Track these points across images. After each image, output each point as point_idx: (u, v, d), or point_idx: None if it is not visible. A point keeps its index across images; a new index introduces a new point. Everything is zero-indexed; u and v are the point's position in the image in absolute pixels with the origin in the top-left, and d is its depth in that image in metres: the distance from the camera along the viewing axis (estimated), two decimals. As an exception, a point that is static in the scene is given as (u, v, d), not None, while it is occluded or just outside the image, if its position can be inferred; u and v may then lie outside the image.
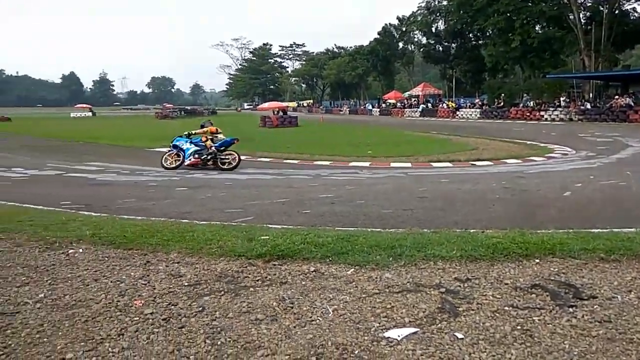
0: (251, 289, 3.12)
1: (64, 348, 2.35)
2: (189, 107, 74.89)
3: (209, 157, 12.08)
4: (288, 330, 2.51)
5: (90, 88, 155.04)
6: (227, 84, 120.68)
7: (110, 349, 2.34)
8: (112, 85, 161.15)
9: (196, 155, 12.14)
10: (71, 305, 2.89)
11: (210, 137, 12.46)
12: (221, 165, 12.04)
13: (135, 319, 2.69)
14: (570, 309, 2.71)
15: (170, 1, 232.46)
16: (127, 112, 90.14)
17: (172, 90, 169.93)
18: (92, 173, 11.40)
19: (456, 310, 2.72)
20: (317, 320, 2.62)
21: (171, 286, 3.19)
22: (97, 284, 3.25)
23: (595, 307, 2.74)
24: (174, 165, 12.16)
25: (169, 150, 12.55)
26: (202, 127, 12.84)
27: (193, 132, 12.61)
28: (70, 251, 4.03)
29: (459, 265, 3.48)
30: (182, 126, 35.09)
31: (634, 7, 37.82)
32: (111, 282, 3.29)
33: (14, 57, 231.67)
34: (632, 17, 37.66)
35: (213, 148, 12.17)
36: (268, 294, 3.02)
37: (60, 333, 2.52)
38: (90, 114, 65.54)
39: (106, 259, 3.81)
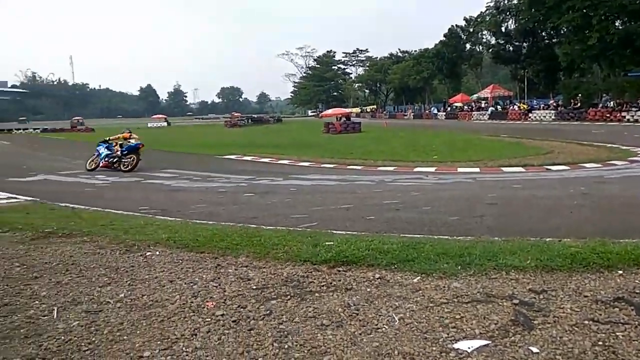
0: (316, 294, 3.15)
1: (142, 346, 2.50)
2: (255, 116, 77.33)
3: (114, 160, 14.09)
4: (354, 337, 2.51)
5: (165, 99, 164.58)
6: (291, 92, 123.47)
7: (184, 348, 2.46)
8: (185, 96, 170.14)
9: (107, 159, 14.16)
10: (148, 305, 3.07)
11: (121, 142, 14.45)
12: (122, 168, 13.90)
13: (207, 320, 2.80)
14: (661, 327, 2.48)
15: (238, 15, 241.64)
16: (199, 121, 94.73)
17: (240, 99, 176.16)
18: (167, 179, 12.06)
19: (531, 323, 2.58)
20: (383, 328, 2.59)
21: (240, 289, 3.30)
22: (172, 285, 3.42)
23: (690, 325, 2.49)
24: (92, 167, 14.27)
25: (93, 154, 14.57)
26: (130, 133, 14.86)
27: (109, 138, 14.78)
28: (148, 254, 4.29)
29: (533, 276, 3.30)
30: (248, 134, 36.44)
31: None
32: (185, 283, 3.45)
33: (97, 72, 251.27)
34: None
35: (118, 152, 14.19)
36: (333, 300, 3.03)
37: (138, 332, 2.68)
38: (165, 123, 69.56)
39: (180, 261, 4.02)
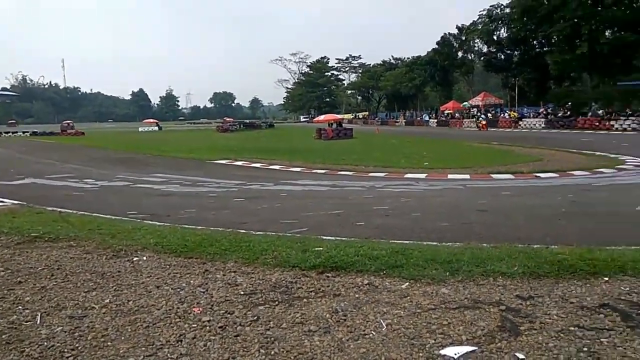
0: (305, 300, 3.14)
1: (126, 352, 2.47)
2: (247, 121, 77.11)
3: None
4: (341, 343, 2.50)
5: (157, 104, 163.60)
6: (284, 98, 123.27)
7: (169, 354, 2.43)
8: (177, 101, 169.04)
9: None
10: (134, 310, 3.04)
11: None
12: None
13: (194, 325, 2.77)
14: (645, 333, 2.50)
15: (232, 20, 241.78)
16: (191, 126, 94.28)
17: (233, 104, 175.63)
18: (157, 184, 11.99)
19: (517, 329, 2.59)
20: (371, 334, 2.58)
21: (228, 295, 3.27)
22: (158, 291, 3.39)
23: (674, 331, 2.51)
24: None
25: None
26: None
27: None
28: (135, 259, 4.25)
29: (520, 283, 3.32)
30: (240, 139, 36.39)
31: None
32: (172, 289, 3.42)
33: (89, 75, 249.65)
34: None
35: None
36: (321, 306, 3.02)
37: (123, 337, 2.65)
38: (156, 128, 69.17)
39: (168, 266, 3.98)
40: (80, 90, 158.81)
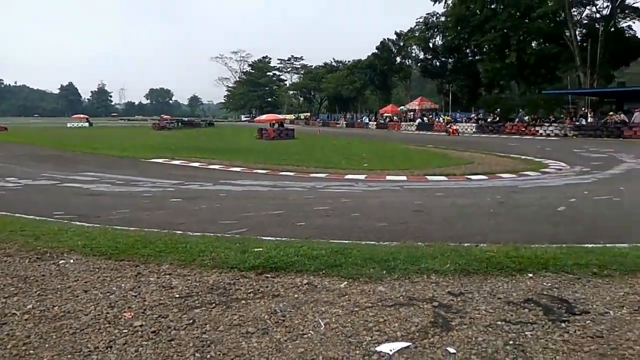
0: (243, 301, 3.10)
1: (51, 360, 2.31)
2: (186, 119, 74.97)
3: None
4: (279, 343, 2.48)
5: (88, 99, 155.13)
6: (225, 96, 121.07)
7: (97, 361, 2.31)
8: (110, 96, 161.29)
9: None
10: (60, 316, 2.85)
11: None
12: None
13: (124, 331, 2.65)
14: (563, 324, 2.69)
15: (169, 13, 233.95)
16: (125, 122, 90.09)
17: (170, 101, 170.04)
18: (87, 183, 11.35)
19: (449, 324, 2.70)
20: (309, 334, 2.59)
21: (162, 298, 3.16)
22: (86, 296, 3.21)
23: (587, 322, 2.73)
24: None
25: None
26: None
27: None
28: (61, 262, 3.99)
29: (452, 279, 3.47)
30: (178, 137, 35.30)
31: (629, 25, 38.59)
32: (101, 293, 3.25)
33: (13, 67, 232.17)
34: (627, 35, 38.32)
35: None
36: (260, 307, 2.99)
37: (47, 345, 2.48)
38: (87, 124, 65.48)
39: (97, 270, 3.78)
40: (2, 83, 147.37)
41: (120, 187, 10.75)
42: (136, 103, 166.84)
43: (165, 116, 71.40)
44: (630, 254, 3.99)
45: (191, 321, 2.78)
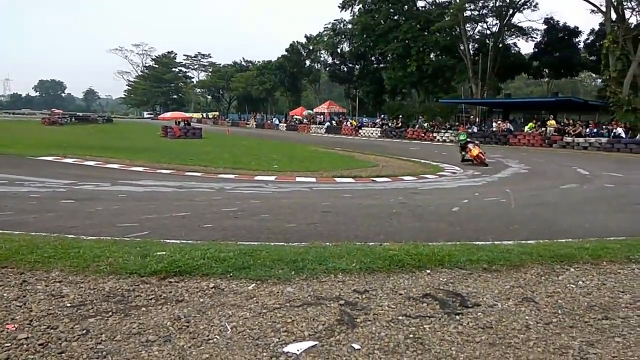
0: (143, 308, 2.92)
1: None
2: (81, 114, 69.37)
3: None
4: (182, 351, 2.38)
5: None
6: (125, 91, 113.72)
7: (-31, 383, 2.03)
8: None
9: None
10: None
11: None
12: None
13: (7, 345, 2.38)
14: (457, 317, 2.90)
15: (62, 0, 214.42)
16: (9, 116, 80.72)
17: (63, 94, 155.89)
18: (-41, 182, 10.00)
19: (354, 321, 2.78)
20: (215, 339, 2.52)
21: (51, 308, 2.88)
22: (-43, 309, 2.82)
23: (478, 314, 2.97)
24: None
25: None
26: None
27: None
28: None
29: (357, 278, 3.58)
30: (72, 133, 32.47)
31: (515, 42, 43.13)
32: (-24, 305, 2.87)
33: None
34: (512, 51, 42.69)
35: None
36: (162, 313, 2.84)
37: None
38: (-40, 116, 57.84)
39: (-29, 279, 3.34)
40: None
41: (3, 187, 9.61)
42: (23, 95, 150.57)
43: (57, 110, 65.30)
44: (514, 250, 4.42)
45: (85, 331, 2.56)
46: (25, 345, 2.39)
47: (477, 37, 43.65)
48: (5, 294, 3.08)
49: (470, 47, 41.92)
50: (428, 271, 3.79)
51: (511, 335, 2.66)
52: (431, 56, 44.53)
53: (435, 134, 35.33)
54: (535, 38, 41.89)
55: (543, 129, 29.60)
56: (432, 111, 41.50)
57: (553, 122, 29.42)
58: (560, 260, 4.19)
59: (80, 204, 7.75)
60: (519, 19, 41.75)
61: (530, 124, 31.41)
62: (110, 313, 2.83)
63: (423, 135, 35.98)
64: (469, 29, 42.26)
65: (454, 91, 45.78)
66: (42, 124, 47.50)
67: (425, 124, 37.77)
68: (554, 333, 2.71)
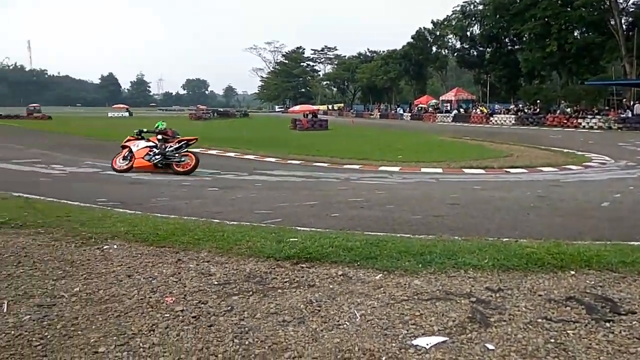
0: (279, 290, 3.14)
1: (97, 342, 2.41)
2: (221, 109, 76.09)
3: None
4: (315, 333, 2.51)
5: (127, 89, 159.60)
6: (259, 87, 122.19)
7: (141, 344, 2.39)
8: (149, 87, 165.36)
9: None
10: (105, 300, 2.97)
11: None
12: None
13: (166, 315, 2.73)
14: (607, 324, 2.60)
15: (205, 5, 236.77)
16: (163, 112, 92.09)
17: (206, 92, 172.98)
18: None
19: (487, 320, 2.65)
20: (345, 325, 2.61)
21: (201, 284, 3.24)
22: (130, 280, 3.33)
23: (634, 322, 2.62)
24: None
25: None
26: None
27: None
28: (105, 247, 4.15)
29: (490, 275, 3.40)
30: (214, 127, 35.88)
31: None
32: (144, 278, 3.36)
33: (56, 58, 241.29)
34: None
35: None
36: (296, 296, 3.02)
37: (93, 327, 2.59)
38: (127, 114, 67.48)
39: (139, 255, 3.91)
40: (47, 73, 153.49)
41: (159, 176, 11.03)
42: (173, 93, 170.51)
43: (202, 106, 72.75)
44: (681, 253, 3.80)
45: (229, 308, 2.84)
46: (180, 317, 2.72)
47: (631, 9, 37.91)
48: (164, 270, 3.55)
49: (622, 21, 36.58)
50: (572, 272, 3.44)
51: (677, 351, 2.31)
52: (575, 34, 39.88)
53: (580, 120, 31.61)
54: None
55: None
56: (576, 94, 37.21)
57: None
58: None
59: (223, 192, 8.57)
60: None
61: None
62: (251, 292, 3.10)
63: (565, 121, 32.44)
64: (620, 0, 36.92)
65: (602, 72, 40.45)
66: (190, 119, 53.24)
67: (568, 109, 34.03)
68: None
